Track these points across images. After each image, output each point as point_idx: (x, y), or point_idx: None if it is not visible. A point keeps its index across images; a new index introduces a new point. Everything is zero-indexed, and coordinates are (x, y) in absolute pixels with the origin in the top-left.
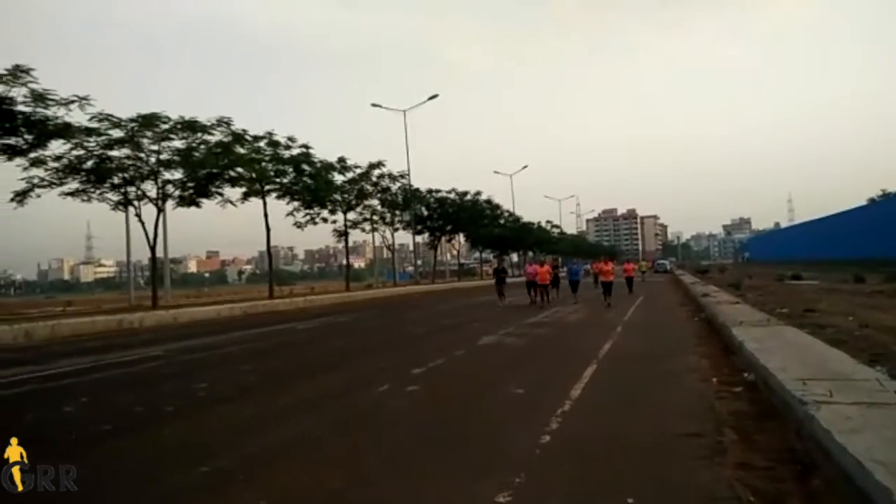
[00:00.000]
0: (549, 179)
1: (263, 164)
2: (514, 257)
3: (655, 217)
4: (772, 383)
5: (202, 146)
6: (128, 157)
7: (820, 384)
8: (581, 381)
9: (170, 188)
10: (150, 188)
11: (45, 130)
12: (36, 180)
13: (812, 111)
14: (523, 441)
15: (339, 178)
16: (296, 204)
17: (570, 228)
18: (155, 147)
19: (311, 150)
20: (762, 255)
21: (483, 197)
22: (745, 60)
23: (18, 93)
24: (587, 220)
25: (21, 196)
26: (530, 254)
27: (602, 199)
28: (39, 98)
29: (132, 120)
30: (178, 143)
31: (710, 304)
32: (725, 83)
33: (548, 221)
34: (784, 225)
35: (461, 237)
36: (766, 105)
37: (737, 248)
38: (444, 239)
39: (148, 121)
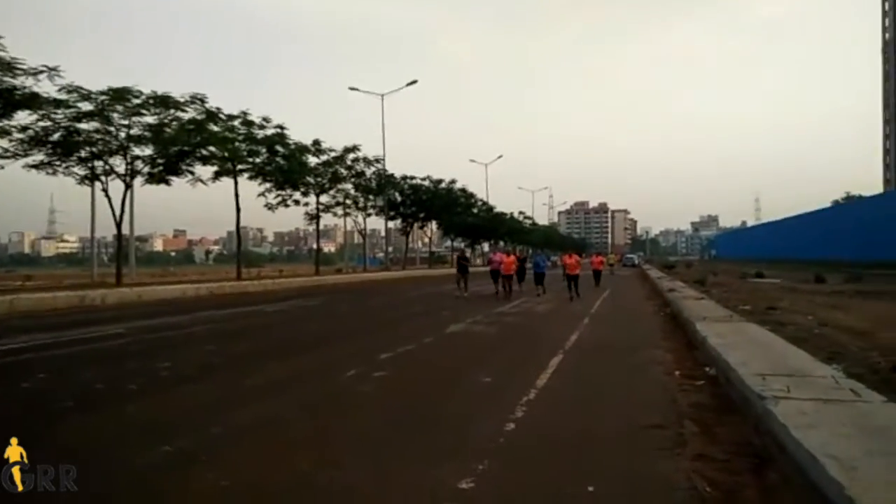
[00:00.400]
0: (524, 171)
1: (237, 143)
2: (486, 247)
3: (626, 211)
4: (732, 378)
5: (174, 123)
6: (97, 131)
7: (778, 380)
8: (547, 370)
9: (139, 164)
10: (118, 163)
11: (10, 100)
12: (0, 151)
13: (783, 112)
14: (488, 428)
15: (313, 161)
16: (268, 185)
17: (543, 220)
18: (125, 122)
19: (286, 132)
20: (728, 252)
21: (458, 185)
22: (720, 58)
23: None
24: (559, 213)
25: None
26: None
27: (574, 192)
28: (7, 67)
29: (102, 93)
30: (149, 119)
31: (676, 299)
32: (699, 81)
33: (520, 212)
34: (751, 224)
35: (434, 225)
36: (737, 105)
37: (703, 245)
38: (416, 226)
39: (119, 94)
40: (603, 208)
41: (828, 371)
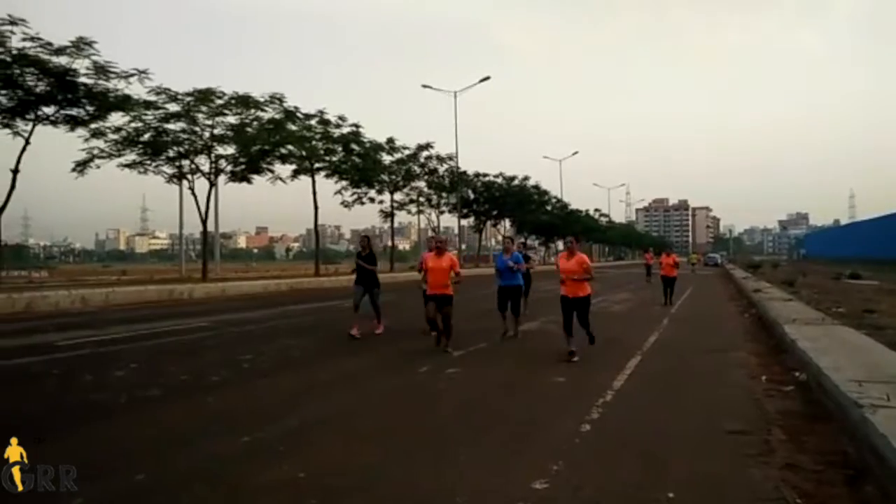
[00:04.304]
0: (599, 167)
1: (314, 142)
2: (560, 245)
3: (708, 209)
4: (825, 384)
5: (255, 122)
6: (183, 131)
7: (876, 387)
8: (624, 372)
9: (222, 163)
10: (203, 162)
11: (105, 102)
12: (96, 151)
13: (878, 103)
14: (562, 429)
15: (387, 159)
16: (344, 183)
17: (620, 217)
18: (209, 122)
19: (360, 130)
20: (819, 252)
21: (531, 182)
22: (813, 48)
23: (81, 65)
24: (637, 210)
25: (82, 166)
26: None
27: (653, 189)
28: (101, 70)
29: (188, 94)
30: (231, 119)
31: (762, 300)
32: (791, 72)
33: (596, 209)
34: (844, 222)
35: (507, 222)
36: (831, 95)
37: (792, 244)
38: (489, 223)
39: (204, 95)
40: (683, 205)
41: None
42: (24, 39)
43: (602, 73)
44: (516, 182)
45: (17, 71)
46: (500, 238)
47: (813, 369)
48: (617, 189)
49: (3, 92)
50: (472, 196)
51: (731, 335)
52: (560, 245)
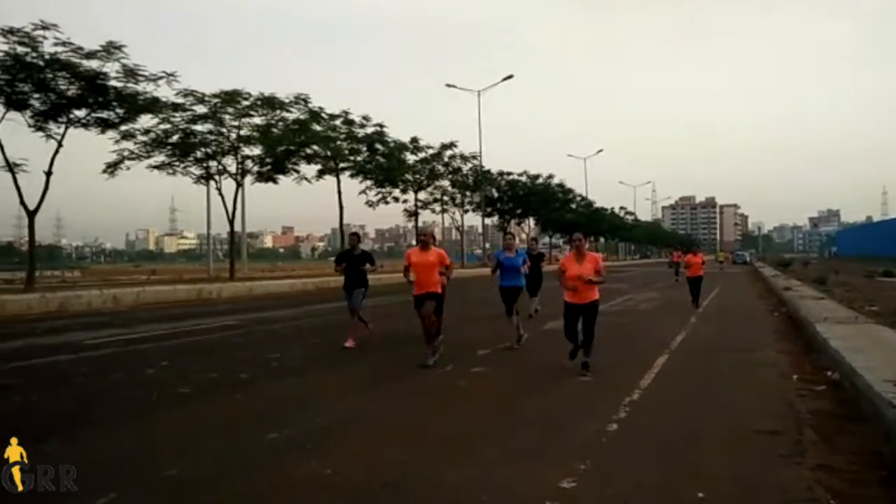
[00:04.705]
0: (625, 165)
1: (338, 142)
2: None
3: (736, 206)
4: (858, 383)
5: (280, 123)
6: (210, 132)
7: None
8: (652, 370)
9: (249, 164)
10: (230, 163)
11: (135, 105)
12: (126, 153)
13: None
14: (589, 428)
15: (411, 158)
16: (368, 182)
17: (646, 216)
18: (236, 123)
19: (384, 130)
20: (851, 249)
21: (555, 181)
22: (844, 40)
23: (111, 68)
24: (663, 208)
25: (112, 168)
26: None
27: (679, 187)
28: (130, 73)
29: (215, 96)
30: (257, 120)
31: (793, 298)
32: (819, 64)
33: (621, 208)
34: (877, 219)
35: (531, 221)
36: (862, 88)
37: (823, 241)
38: (513, 222)
39: (230, 97)
40: (710, 203)
41: None
42: (55, 44)
43: (627, 70)
44: (540, 180)
45: (50, 75)
46: (523, 237)
47: (846, 369)
48: (643, 187)
49: (37, 95)
50: (496, 195)
51: (760, 334)
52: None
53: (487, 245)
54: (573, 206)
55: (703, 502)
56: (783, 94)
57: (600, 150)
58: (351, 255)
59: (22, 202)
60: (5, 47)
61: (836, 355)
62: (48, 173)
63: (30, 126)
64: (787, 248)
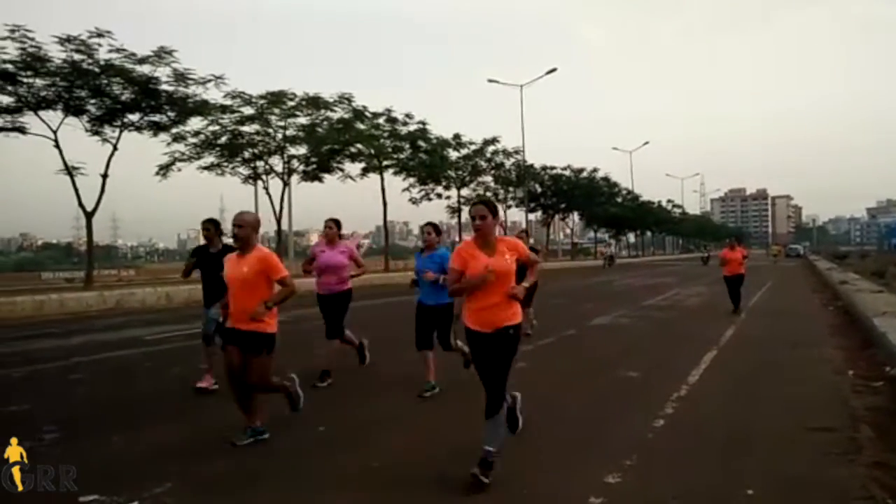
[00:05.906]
0: (672, 157)
1: (382, 140)
2: (632, 237)
3: (788, 197)
4: None
5: (325, 122)
6: (257, 133)
7: None
8: (700, 366)
9: (295, 163)
10: (276, 163)
11: (185, 108)
12: (177, 155)
13: None
14: (636, 423)
15: (454, 155)
16: (412, 180)
17: (694, 209)
18: (282, 123)
19: (427, 127)
20: None
21: (600, 174)
22: None
23: (162, 73)
24: (712, 200)
25: (164, 169)
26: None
27: (729, 178)
28: (180, 77)
29: (261, 97)
30: (302, 120)
31: (849, 292)
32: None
33: (669, 200)
34: None
35: (575, 216)
36: None
37: (882, 233)
38: (557, 217)
39: (276, 98)
40: (762, 195)
41: None
42: (110, 51)
43: (673, 61)
44: (585, 174)
45: (105, 81)
46: (567, 232)
47: None
48: (691, 179)
49: (93, 101)
50: (539, 190)
51: (814, 329)
52: (631, 238)
53: (531, 241)
54: (618, 199)
55: (752, 499)
56: (840, 78)
57: (646, 143)
58: (206, 253)
59: (80, 204)
60: (63, 55)
61: (894, 350)
62: (104, 176)
63: (86, 130)
64: (844, 241)
